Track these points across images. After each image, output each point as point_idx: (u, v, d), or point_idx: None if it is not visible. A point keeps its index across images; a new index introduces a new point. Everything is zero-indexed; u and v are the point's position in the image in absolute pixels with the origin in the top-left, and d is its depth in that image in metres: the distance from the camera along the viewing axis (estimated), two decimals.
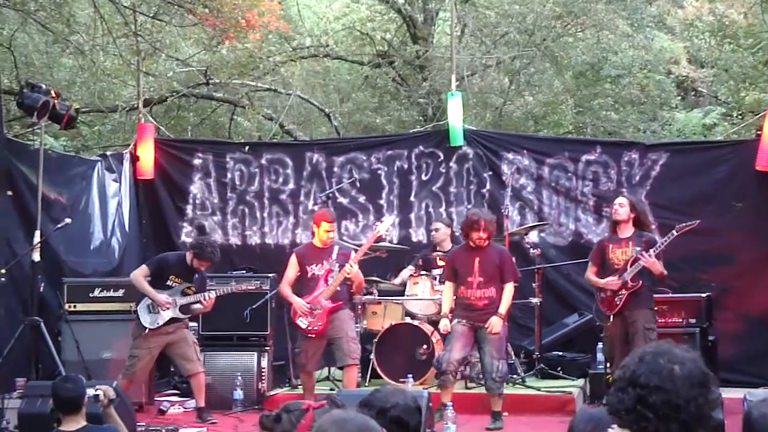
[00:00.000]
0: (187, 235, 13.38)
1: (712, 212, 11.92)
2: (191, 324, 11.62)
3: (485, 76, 20.21)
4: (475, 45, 20.12)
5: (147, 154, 13.49)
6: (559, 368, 11.68)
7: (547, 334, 12.20)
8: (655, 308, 10.28)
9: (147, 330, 10.25)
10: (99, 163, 13.01)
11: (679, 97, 23.05)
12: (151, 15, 15.03)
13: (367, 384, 11.07)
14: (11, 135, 13.65)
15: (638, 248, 9.91)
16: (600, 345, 11.18)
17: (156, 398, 11.52)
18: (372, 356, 11.21)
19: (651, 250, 9.81)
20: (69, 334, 10.75)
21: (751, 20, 20.13)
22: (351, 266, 10.08)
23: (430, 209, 13.12)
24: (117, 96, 18.07)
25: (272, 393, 11.25)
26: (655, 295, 10.34)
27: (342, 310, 10.24)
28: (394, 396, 4.00)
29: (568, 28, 19.98)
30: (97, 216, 12.75)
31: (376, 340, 11.26)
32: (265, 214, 13.54)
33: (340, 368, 10.28)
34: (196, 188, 13.63)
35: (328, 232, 10.23)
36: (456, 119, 13.13)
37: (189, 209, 13.62)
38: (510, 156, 13.05)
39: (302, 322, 10.12)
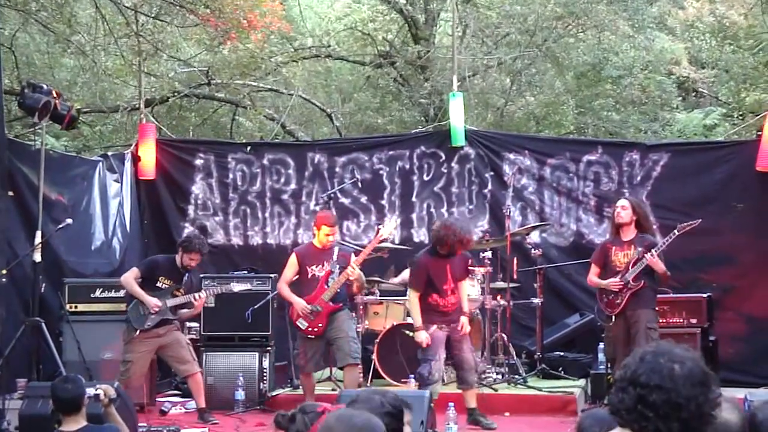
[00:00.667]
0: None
1: (713, 213, 11.93)
2: (193, 324, 11.65)
3: (487, 76, 20.21)
4: (477, 45, 20.13)
5: (148, 155, 13.49)
6: (560, 368, 11.69)
7: (548, 334, 12.21)
8: (657, 308, 10.27)
9: (138, 332, 10.19)
10: (100, 163, 13.00)
11: (680, 98, 23.05)
12: (152, 15, 15.03)
13: (369, 384, 11.06)
14: (12, 135, 13.65)
15: (640, 249, 9.92)
16: (601, 345, 11.20)
17: (157, 399, 11.53)
18: (374, 356, 11.20)
19: (653, 250, 9.82)
20: (70, 334, 10.74)
21: (752, 21, 20.14)
22: (353, 269, 10.08)
23: (432, 209, 13.12)
24: (118, 96, 18.07)
25: (274, 393, 11.25)
26: (656, 296, 10.34)
27: (341, 311, 10.23)
28: (368, 401, 3.99)
29: (569, 29, 19.98)
30: (98, 216, 12.75)
31: (377, 340, 11.25)
32: (267, 215, 13.55)
33: (342, 368, 10.27)
34: (197, 188, 13.63)
35: (328, 236, 10.20)
36: (457, 120, 13.14)
37: (191, 209, 13.62)
38: (511, 156, 13.06)
39: (302, 323, 10.10)
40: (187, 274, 10.43)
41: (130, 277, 10.33)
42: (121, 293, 11.00)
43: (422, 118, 19.91)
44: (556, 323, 12.55)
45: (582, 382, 11.38)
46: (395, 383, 10.89)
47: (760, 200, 12.12)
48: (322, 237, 10.20)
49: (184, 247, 10.37)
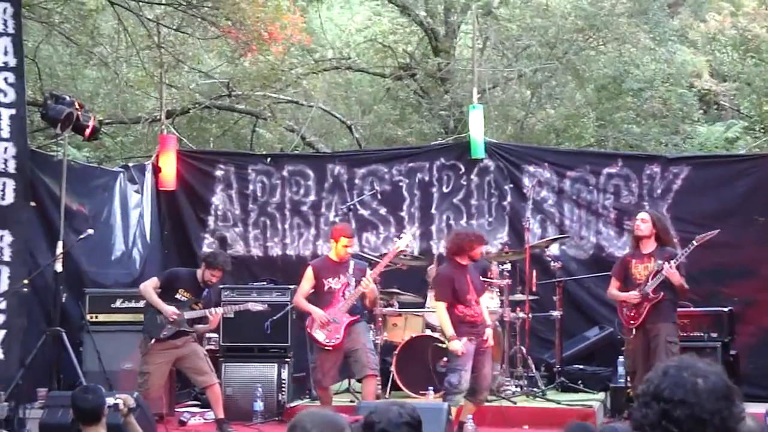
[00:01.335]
0: (208, 246, 13.39)
1: (734, 226, 11.88)
2: (212, 335, 11.67)
3: (507, 88, 20.23)
4: (497, 58, 20.15)
5: (169, 166, 13.54)
6: (579, 381, 11.65)
7: (568, 347, 12.19)
8: (677, 322, 10.24)
9: (154, 342, 10.14)
10: (121, 174, 13.06)
11: (701, 111, 22.95)
12: (174, 27, 15.12)
13: (387, 396, 11.06)
14: (35, 146, 13.73)
15: (660, 262, 9.90)
16: (621, 359, 11.16)
17: (176, 409, 11.55)
18: (392, 368, 11.20)
19: (672, 261, 9.80)
20: (90, 344, 10.78)
21: None
22: (368, 283, 10.07)
23: (451, 221, 13.12)
24: (140, 107, 18.15)
25: (293, 404, 11.25)
26: (677, 309, 10.31)
27: (359, 323, 10.21)
28: (386, 411, 4.02)
29: (589, 42, 19.97)
30: (119, 227, 12.80)
31: (396, 352, 11.25)
32: (287, 226, 13.57)
33: (359, 380, 10.26)
34: (217, 199, 13.67)
35: (347, 247, 10.19)
36: (477, 132, 13.14)
37: (211, 220, 13.66)
38: (531, 169, 13.06)
39: (319, 335, 10.06)
40: (206, 290, 10.42)
41: (150, 286, 10.30)
42: (141, 303, 10.99)
43: (442, 130, 19.91)
44: (576, 336, 12.52)
45: (601, 395, 11.35)
46: (414, 395, 10.88)
47: None
48: (340, 249, 10.19)
49: (208, 263, 10.31)
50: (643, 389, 3.06)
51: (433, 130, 20.51)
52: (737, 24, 21.46)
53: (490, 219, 13.12)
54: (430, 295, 11.72)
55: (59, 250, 10.79)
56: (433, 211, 13.29)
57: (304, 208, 13.55)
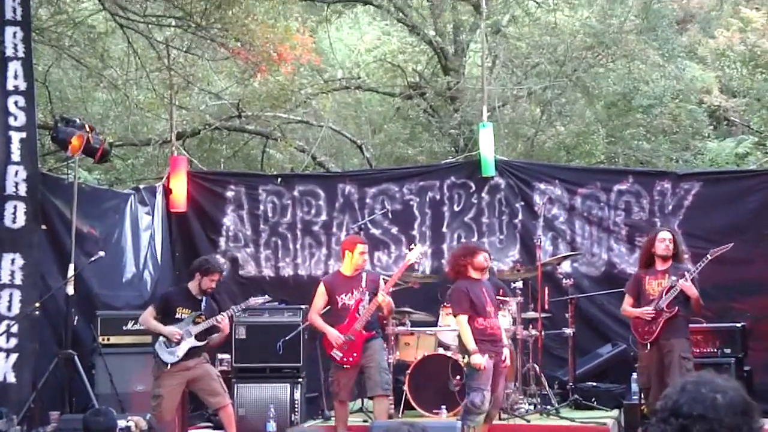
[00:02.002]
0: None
1: (745, 241, 11.84)
2: (224, 356, 11.64)
3: (516, 106, 20.24)
4: (507, 76, 20.17)
5: (180, 187, 13.54)
6: (593, 399, 11.61)
7: (581, 364, 12.16)
8: (690, 338, 10.21)
9: (169, 366, 10.03)
10: (132, 196, 13.07)
11: (711, 127, 22.96)
12: (184, 49, 15.15)
13: (400, 415, 11.04)
14: (45, 169, 13.77)
15: (674, 278, 9.91)
16: (634, 375, 11.12)
17: (189, 431, 11.52)
18: (405, 387, 11.17)
19: (687, 274, 9.80)
20: (102, 367, 10.79)
21: None
22: (383, 296, 10.07)
23: (463, 240, 13.09)
24: (150, 129, 18.19)
25: (305, 425, 11.23)
26: (689, 325, 10.29)
27: (375, 339, 10.19)
28: (398, 431, 4.01)
29: (599, 59, 19.99)
30: (130, 249, 12.79)
31: (408, 371, 11.22)
32: (298, 246, 13.56)
33: (371, 398, 10.24)
34: (228, 220, 13.67)
35: (363, 254, 10.19)
36: (487, 150, 13.14)
37: (222, 241, 13.66)
38: (542, 186, 13.04)
39: (336, 354, 10.07)
40: (204, 299, 10.31)
41: (148, 316, 10.17)
42: None
43: (452, 149, 19.93)
44: (589, 353, 12.49)
45: (615, 412, 11.30)
46: (426, 414, 10.86)
47: None
48: (357, 257, 10.16)
49: (203, 270, 10.19)
50: (661, 405, 3.05)
51: (444, 148, 20.54)
52: (746, 40, 21.47)
53: (501, 237, 13.11)
54: (443, 313, 11.72)
55: (70, 272, 10.80)
56: (444, 229, 13.27)
57: (316, 228, 13.55)
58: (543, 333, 11.68)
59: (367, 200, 13.45)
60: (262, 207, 13.67)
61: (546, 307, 11.81)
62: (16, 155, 10.64)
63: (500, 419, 10.75)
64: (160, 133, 17.62)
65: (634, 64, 20.18)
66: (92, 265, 11.19)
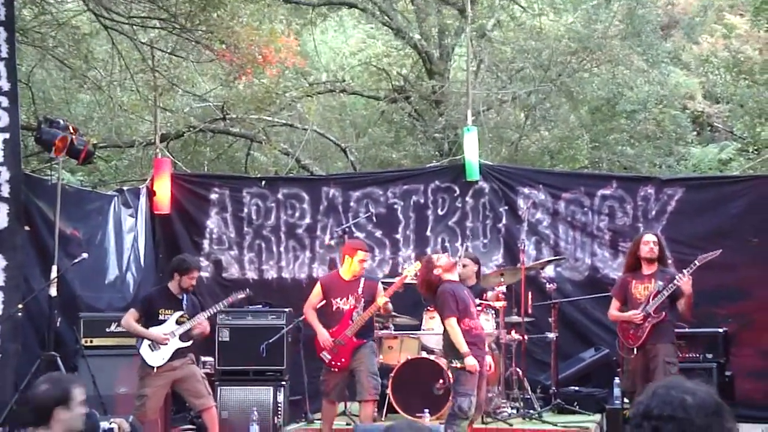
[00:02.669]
0: (203, 269, 13.33)
1: (728, 247, 11.82)
2: (207, 358, 11.63)
3: (501, 111, 20.28)
4: (491, 80, 20.21)
5: (164, 189, 13.52)
6: (575, 403, 11.64)
7: (563, 368, 12.18)
8: (676, 343, 10.25)
9: (155, 369, 10.05)
10: (115, 198, 13.04)
11: (695, 132, 23.06)
12: (168, 51, 15.12)
13: (383, 419, 11.03)
14: (29, 170, 13.72)
15: (661, 283, 9.94)
16: (617, 380, 11.15)
17: None
18: (388, 391, 11.16)
19: (686, 271, 9.89)
20: (85, 369, 10.75)
21: (767, 56, 20.16)
22: (380, 303, 10.11)
23: (447, 244, 13.11)
24: (134, 131, 18.14)
25: (288, 428, 11.22)
26: None
27: (365, 345, 10.20)
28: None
29: (583, 64, 20.04)
30: (113, 251, 12.76)
31: (392, 374, 11.22)
32: (282, 249, 13.55)
33: (358, 402, 10.24)
34: (212, 223, 13.65)
35: (363, 261, 10.20)
36: (472, 154, 13.16)
37: (206, 244, 13.64)
38: (526, 191, 13.06)
39: (325, 356, 10.10)
40: (184, 297, 10.28)
41: (130, 319, 10.16)
42: None
43: (437, 153, 19.94)
44: (571, 358, 12.51)
45: (597, 417, 11.32)
46: (410, 418, 10.84)
47: None
48: (356, 264, 10.16)
49: (181, 270, 10.17)
50: (633, 411, 3.11)
51: (428, 152, 20.55)
52: (730, 46, 21.57)
53: (485, 241, 13.13)
54: (426, 317, 11.72)
55: (53, 274, 10.76)
56: (428, 233, 13.28)
57: (300, 231, 13.54)
58: (526, 337, 11.70)
59: (351, 203, 13.45)
60: (246, 210, 13.65)
61: (529, 311, 11.82)
62: None
63: (483, 423, 10.75)
64: (144, 135, 17.56)
65: (619, 69, 20.24)
66: (75, 267, 11.14)
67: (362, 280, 10.20)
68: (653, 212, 12.63)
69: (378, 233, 13.34)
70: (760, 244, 12.13)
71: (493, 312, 11.45)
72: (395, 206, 13.38)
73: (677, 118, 21.85)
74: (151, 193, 13.52)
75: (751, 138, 21.17)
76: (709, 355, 11.32)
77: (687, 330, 11.18)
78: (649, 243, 10.24)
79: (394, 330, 11.87)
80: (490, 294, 11.53)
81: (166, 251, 13.57)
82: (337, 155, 21.56)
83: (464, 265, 11.85)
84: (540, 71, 19.42)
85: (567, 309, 12.56)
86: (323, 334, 10.06)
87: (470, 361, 9.28)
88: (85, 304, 11.86)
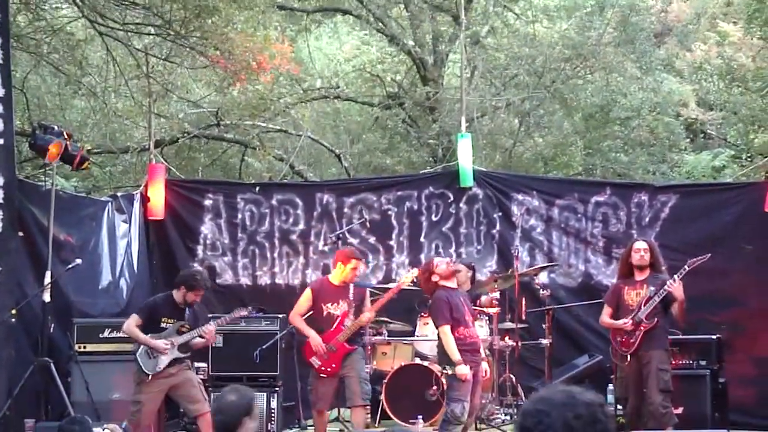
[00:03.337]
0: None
1: (721, 254, 11.87)
2: (201, 364, 11.61)
3: (495, 117, 20.31)
4: (485, 87, 20.25)
5: (158, 195, 13.50)
6: None
7: (557, 375, 12.17)
8: (668, 349, 10.26)
9: (150, 376, 10.04)
10: (109, 203, 13.01)
11: (688, 140, 23.11)
12: (162, 57, 15.11)
13: (376, 425, 11.04)
14: (23, 176, 13.71)
15: (652, 288, 9.96)
16: (610, 386, 11.15)
17: None
18: (381, 397, 11.17)
19: (676, 276, 9.90)
20: (78, 375, 10.72)
21: (760, 64, 20.20)
22: (369, 316, 10.13)
23: (441, 250, 13.12)
24: (128, 137, 18.15)
25: None
26: None
27: (355, 351, 10.21)
28: None
29: (577, 71, 20.10)
30: (106, 257, 12.73)
31: (385, 380, 11.22)
32: (276, 255, 13.54)
33: (349, 407, 10.24)
34: (206, 229, 13.64)
35: (355, 270, 10.20)
36: (466, 160, 13.17)
37: (200, 250, 13.62)
38: (520, 197, 13.08)
39: (315, 362, 10.09)
40: (188, 309, 10.29)
41: (132, 325, 10.12)
42: None
43: (431, 159, 19.98)
44: (565, 364, 12.50)
45: None
46: (403, 424, 10.85)
47: None
48: (348, 272, 10.17)
49: (189, 286, 10.15)
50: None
51: (422, 158, 20.58)
52: (723, 53, 21.60)
53: (479, 247, 13.13)
54: (420, 323, 11.73)
55: (47, 280, 10.75)
56: (422, 239, 13.29)
57: (293, 237, 13.53)
58: (520, 344, 11.71)
59: (345, 210, 13.44)
60: (239, 215, 13.64)
61: (523, 317, 11.85)
62: None
63: (476, 429, 10.78)
64: (139, 140, 17.58)
65: (612, 76, 20.31)
66: (69, 273, 11.12)
67: (351, 287, 10.21)
68: (647, 219, 12.65)
69: (372, 239, 13.34)
70: (753, 252, 12.15)
71: (486, 318, 11.48)
72: (389, 212, 13.38)
73: (671, 125, 21.91)
74: (145, 199, 13.49)
75: (744, 145, 21.21)
76: (703, 362, 11.31)
77: (680, 337, 11.19)
78: (640, 250, 10.26)
79: (388, 336, 11.87)
80: (483, 300, 11.57)
81: (160, 257, 13.57)
82: (331, 161, 21.59)
83: (458, 271, 11.86)
84: (534, 78, 19.47)
85: (561, 315, 12.57)
86: (316, 339, 10.05)
87: (461, 370, 9.30)
88: (78, 309, 11.82)
